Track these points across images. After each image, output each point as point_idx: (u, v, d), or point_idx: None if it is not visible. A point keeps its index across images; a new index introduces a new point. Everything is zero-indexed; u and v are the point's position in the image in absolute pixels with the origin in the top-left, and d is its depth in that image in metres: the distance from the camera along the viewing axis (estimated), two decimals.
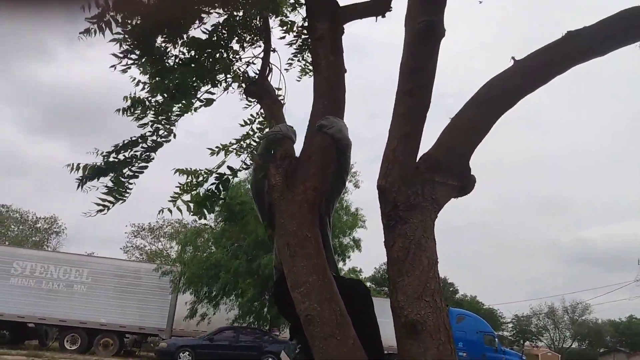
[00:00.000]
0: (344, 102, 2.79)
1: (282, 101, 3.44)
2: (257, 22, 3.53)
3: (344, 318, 2.27)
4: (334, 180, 2.71)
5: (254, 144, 3.50)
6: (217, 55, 3.44)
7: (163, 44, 3.25)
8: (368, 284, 36.28)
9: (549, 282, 76.51)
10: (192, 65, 3.32)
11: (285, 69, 3.85)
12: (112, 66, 3.03)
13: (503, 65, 2.47)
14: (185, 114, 3.43)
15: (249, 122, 3.58)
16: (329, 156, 2.65)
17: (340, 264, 19.30)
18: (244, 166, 3.32)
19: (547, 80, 2.42)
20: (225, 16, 3.41)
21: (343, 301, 2.32)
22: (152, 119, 3.34)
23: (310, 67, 3.71)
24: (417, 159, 2.44)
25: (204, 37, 3.36)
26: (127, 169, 3.12)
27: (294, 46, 3.82)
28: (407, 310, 2.21)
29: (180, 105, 3.34)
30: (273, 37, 3.58)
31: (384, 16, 3.24)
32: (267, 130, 3.20)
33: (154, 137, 3.31)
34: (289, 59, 3.84)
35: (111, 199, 2.97)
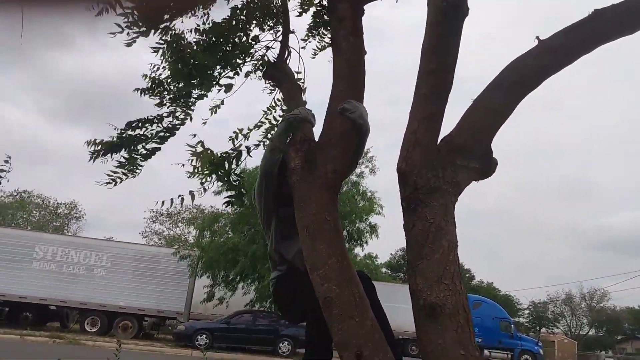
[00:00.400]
0: (364, 85, 2.76)
1: (301, 85, 3.42)
2: (277, 2, 3.50)
3: (363, 300, 2.28)
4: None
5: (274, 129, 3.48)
6: (237, 39, 3.42)
7: (172, 19, 3.21)
8: (383, 270, 36.31)
9: (567, 269, 76.07)
10: (212, 50, 3.31)
11: (302, 47, 3.81)
12: (111, 33, 2.93)
13: (524, 48, 2.43)
14: (203, 99, 3.43)
15: (271, 109, 3.56)
16: (348, 140, 2.63)
17: (357, 250, 19.35)
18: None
19: (572, 60, 2.37)
20: None
21: None
22: (171, 101, 3.34)
23: (325, 44, 3.67)
24: (439, 141, 2.41)
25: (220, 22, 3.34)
26: (140, 146, 3.13)
27: (310, 23, 3.76)
28: (426, 293, 2.20)
29: (199, 89, 3.33)
30: (291, 18, 3.54)
31: None
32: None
33: (170, 119, 3.31)
34: (305, 35, 3.78)
35: (120, 174, 2.99)
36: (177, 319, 21.44)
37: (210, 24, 3.32)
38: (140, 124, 3.20)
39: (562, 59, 2.36)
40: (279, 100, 3.57)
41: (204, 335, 17.78)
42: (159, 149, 3.19)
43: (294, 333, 17.41)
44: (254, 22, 3.49)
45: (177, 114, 3.34)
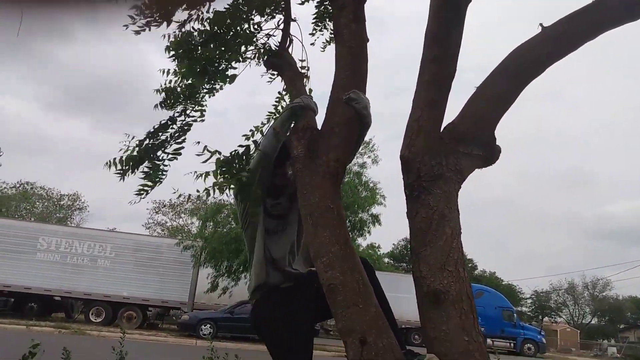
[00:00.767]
0: (367, 73, 2.75)
1: (304, 73, 3.41)
2: None
3: (366, 287, 2.29)
4: None
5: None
6: (238, 28, 3.40)
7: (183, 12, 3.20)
8: (386, 260, 36.39)
9: (569, 258, 76.15)
10: (216, 41, 3.29)
11: (312, 43, 3.80)
12: (124, 25, 2.95)
13: (526, 36, 2.42)
14: (213, 92, 3.42)
15: (280, 99, 3.54)
16: (351, 128, 2.63)
17: (360, 240, 19.40)
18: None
19: (575, 47, 2.36)
20: None
21: None
22: (181, 101, 3.33)
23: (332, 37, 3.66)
24: (442, 129, 2.41)
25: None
26: (160, 153, 3.13)
27: (315, 16, 3.75)
28: (429, 280, 2.21)
29: (211, 84, 3.33)
30: (293, 6, 3.52)
31: None
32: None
33: (183, 118, 3.31)
34: (313, 29, 3.77)
35: (149, 183, 2.98)
36: (181, 309, 21.59)
37: (212, 13, 3.30)
38: (156, 132, 3.20)
39: (565, 46, 2.35)
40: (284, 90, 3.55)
41: (208, 325, 17.92)
42: (180, 149, 3.18)
43: None
44: (255, 10, 3.47)
45: (187, 112, 3.33)
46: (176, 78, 3.34)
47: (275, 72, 3.50)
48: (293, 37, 3.45)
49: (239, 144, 2.66)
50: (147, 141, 3.16)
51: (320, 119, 2.74)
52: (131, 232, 23.75)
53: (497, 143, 2.47)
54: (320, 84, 3.19)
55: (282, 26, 3.47)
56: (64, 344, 3.65)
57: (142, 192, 2.98)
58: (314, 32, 3.80)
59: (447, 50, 2.40)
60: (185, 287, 20.96)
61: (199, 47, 3.24)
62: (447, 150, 2.33)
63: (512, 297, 39.01)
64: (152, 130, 3.21)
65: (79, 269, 20.30)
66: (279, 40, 3.46)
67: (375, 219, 19.43)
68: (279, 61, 3.33)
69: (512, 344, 25.42)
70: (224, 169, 2.49)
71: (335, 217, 2.41)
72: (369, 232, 19.29)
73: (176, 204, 38.60)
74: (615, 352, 39.65)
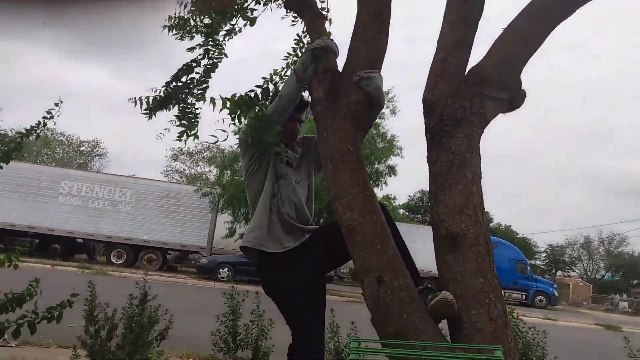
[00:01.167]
0: (390, 9, 2.66)
1: (325, 15, 3.32)
2: None
3: (384, 229, 2.31)
4: None
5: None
6: None
7: None
8: (401, 211, 36.59)
9: (586, 213, 75.66)
10: None
11: None
12: None
13: None
14: (232, 35, 3.36)
15: (299, 42, 3.47)
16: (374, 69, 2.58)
17: (376, 190, 19.45)
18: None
19: None
20: None
21: None
22: (201, 42, 3.28)
23: None
24: (466, 71, 2.36)
25: None
26: (187, 95, 3.11)
27: None
28: (447, 223, 2.23)
29: (230, 22, 3.27)
30: None
31: None
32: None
33: (206, 60, 3.27)
34: None
35: (184, 128, 2.98)
36: (199, 253, 22.15)
37: None
38: (180, 74, 3.17)
39: None
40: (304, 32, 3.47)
41: (226, 269, 18.36)
42: (206, 88, 3.15)
43: None
44: None
45: (210, 53, 3.29)
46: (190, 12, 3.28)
47: (296, 15, 3.42)
48: None
49: (256, 84, 2.64)
50: (173, 83, 3.15)
51: (341, 62, 2.69)
52: (150, 179, 24.10)
53: (522, 87, 2.42)
54: (341, 31, 3.10)
55: None
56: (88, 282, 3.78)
57: (179, 138, 2.97)
58: None
59: None
60: (204, 232, 21.44)
61: None
62: (471, 93, 2.29)
63: (526, 251, 39.13)
64: (177, 72, 3.18)
65: (100, 212, 20.82)
66: None
67: (392, 170, 19.43)
68: (298, 2, 3.24)
69: (523, 296, 25.74)
70: (242, 107, 2.47)
71: (355, 160, 2.41)
72: (385, 182, 19.34)
73: (194, 152, 38.92)
74: (627, 306, 39.96)
